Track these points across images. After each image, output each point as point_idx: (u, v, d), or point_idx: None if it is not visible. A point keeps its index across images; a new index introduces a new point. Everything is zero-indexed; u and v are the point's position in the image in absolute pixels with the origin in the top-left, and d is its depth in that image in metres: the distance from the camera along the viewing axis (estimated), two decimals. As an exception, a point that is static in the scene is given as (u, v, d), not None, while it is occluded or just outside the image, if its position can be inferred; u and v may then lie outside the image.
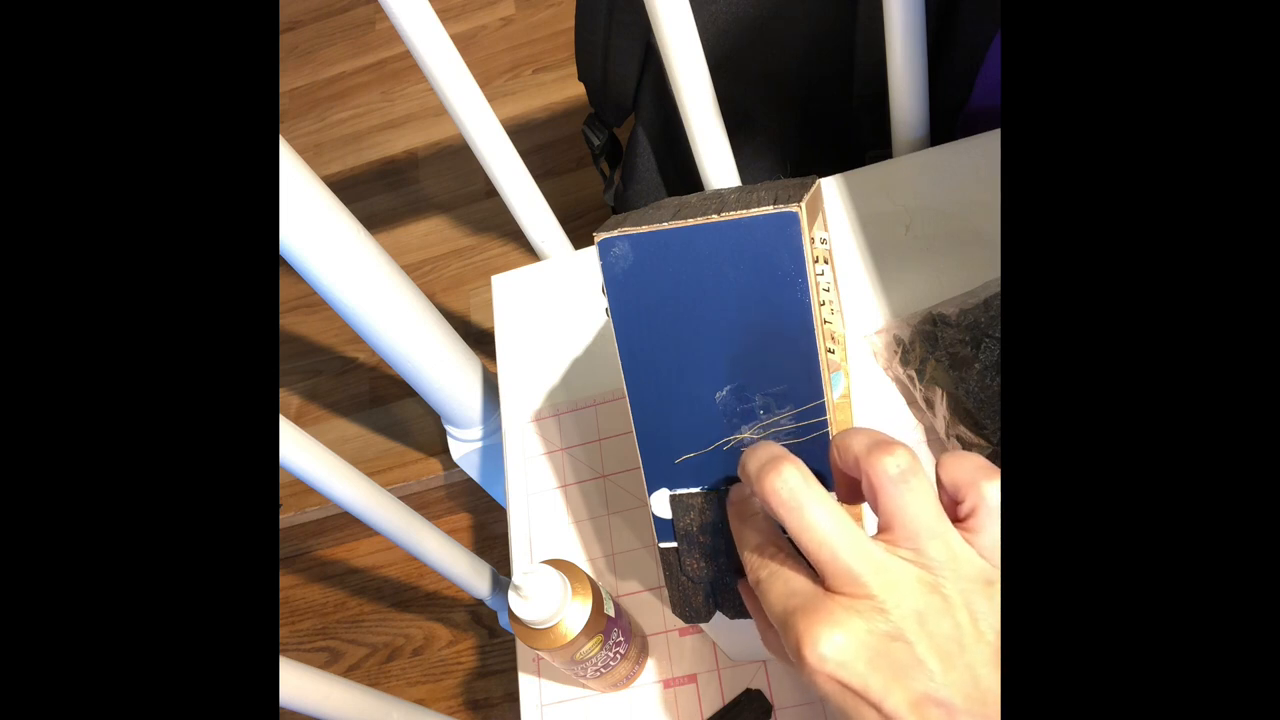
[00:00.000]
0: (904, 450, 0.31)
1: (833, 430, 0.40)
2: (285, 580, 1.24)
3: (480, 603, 1.00)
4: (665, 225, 0.40)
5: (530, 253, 0.74)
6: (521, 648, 0.56)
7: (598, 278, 0.41)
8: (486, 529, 1.21)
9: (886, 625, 0.29)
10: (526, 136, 1.41)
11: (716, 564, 0.43)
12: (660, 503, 0.43)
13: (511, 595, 0.44)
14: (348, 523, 1.21)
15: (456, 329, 0.79)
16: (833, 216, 0.65)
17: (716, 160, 0.66)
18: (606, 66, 0.87)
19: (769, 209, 0.38)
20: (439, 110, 1.49)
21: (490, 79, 1.48)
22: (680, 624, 0.53)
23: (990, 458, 0.49)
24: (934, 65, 0.64)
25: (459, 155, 1.44)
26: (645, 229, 0.40)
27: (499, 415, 0.82)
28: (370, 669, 1.15)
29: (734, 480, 0.42)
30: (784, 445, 0.41)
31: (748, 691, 0.50)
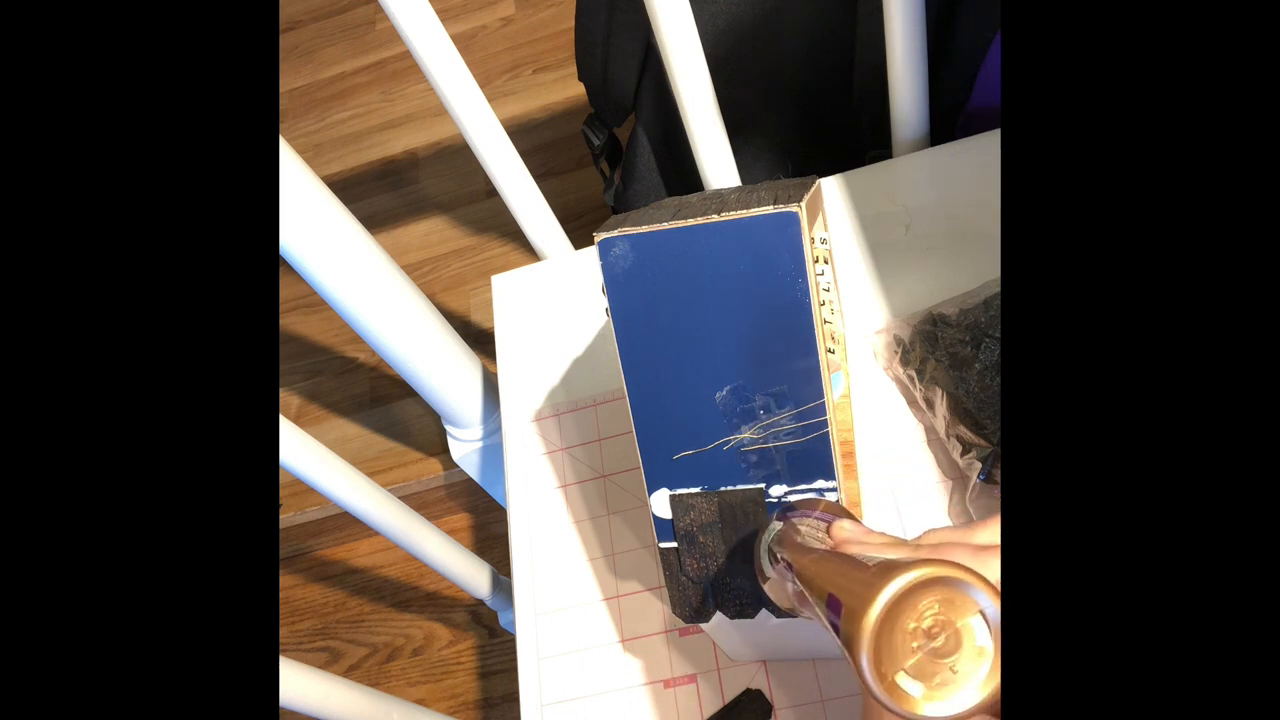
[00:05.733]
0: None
1: (833, 430, 0.40)
2: (285, 580, 1.24)
3: (480, 603, 1.00)
4: (665, 225, 0.40)
5: (530, 253, 0.74)
6: (522, 647, 0.56)
7: (598, 278, 0.41)
8: (486, 529, 1.20)
9: None
10: (526, 136, 1.40)
11: (716, 564, 0.43)
12: (660, 503, 0.43)
13: None
14: (348, 523, 1.21)
15: (456, 329, 0.79)
16: (833, 216, 0.65)
17: (716, 160, 0.66)
18: (606, 66, 0.87)
19: (769, 209, 0.38)
20: (439, 110, 1.48)
21: (490, 79, 1.48)
22: (680, 624, 0.53)
23: (990, 458, 0.49)
24: (934, 65, 0.64)
25: (459, 155, 1.43)
26: (645, 229, 0.40)
27: (499, 415, 0.82)
28: (370, 669, 1.15)
29: (733, 481, 0.42)
30: (784, 445, 0.41)
31: (748, 691, 0.50)
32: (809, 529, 0.37)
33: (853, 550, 0.33)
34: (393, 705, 0.66)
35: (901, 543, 0.33)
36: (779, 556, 0.37)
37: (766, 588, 0.39)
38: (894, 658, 0.26)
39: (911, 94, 0.64)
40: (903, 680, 0.26)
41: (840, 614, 0.28)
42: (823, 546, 0.35)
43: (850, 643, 0.27)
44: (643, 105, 0.87)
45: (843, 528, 0.35)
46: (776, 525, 0.39)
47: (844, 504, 0.41)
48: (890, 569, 0.27)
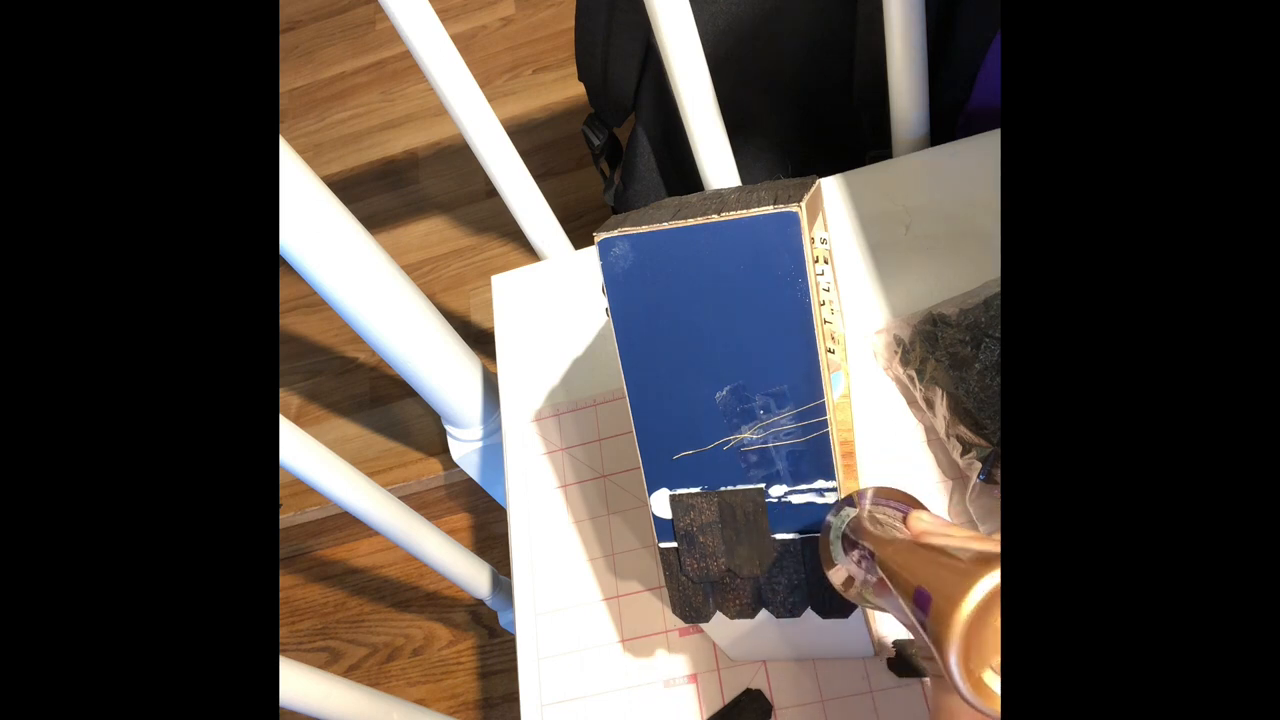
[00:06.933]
0: None
1: (833, 430, 0.40)
2: (285, 580, 1.24)
3: (480, 603, 1.00)
4: (665, 225, 0.40)
5: (530, 253, 0.74)
6: (522, 647, 0.56)
7: (598, 278, 0.41)
8: (486, 529, 1.20)
9: None
10: (526, 136, 1.40)
11: (717, 564, 0.43)
12: (660, 503, 0.43)
13: None
14: (348, 523, 1.21)
15: (456, 329, 0.79)
16: (833, 216, 0.65)
17: (716, 160, 0.66)
18: (606, 66, 0.87)
19: (769, 209, 0.38)
20: (439, 110, 1.48)
21: (490, 79, 1.48)
22: (680, 624, 0.53)
23: (990, 458, 0.49)
24: (934, 65, 0.64)
25: (459, 155, 1.43)
26: (645, 229, 0.40)
27: (499, 415, 0.82)
28: (370, 669, 1.15)
29: (733, 481, 0.42)
30: (784, 445, 0.41)
31: (748, 691, 0.50)
32: (886, 518, 0.36)
33: (936, 543, 0.32)
34: (393, 705, 0.66)
35: (983, 537, 0.32)
36: (856, 544, 0.36)
37: (831, 575, 0.38)
38: (982, 654, 0.26)
39: (911, 94, 0.64)
40: (989, 677, 0.26)
41: (929, 607, 0.27)
42: (902, 537, 0.34)
43: (939, 638, 0.26)
44: (643, 105, 0.87)
45: (921, 519, 0.35)
46: (850, 511, 0.38)
47: None
48: (982, 564, 0.26)
